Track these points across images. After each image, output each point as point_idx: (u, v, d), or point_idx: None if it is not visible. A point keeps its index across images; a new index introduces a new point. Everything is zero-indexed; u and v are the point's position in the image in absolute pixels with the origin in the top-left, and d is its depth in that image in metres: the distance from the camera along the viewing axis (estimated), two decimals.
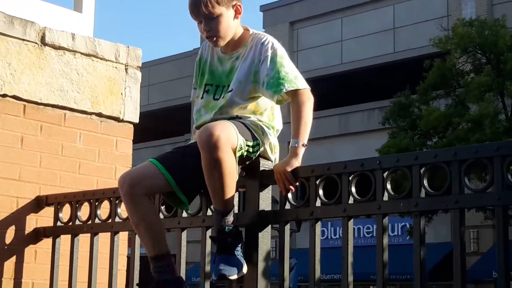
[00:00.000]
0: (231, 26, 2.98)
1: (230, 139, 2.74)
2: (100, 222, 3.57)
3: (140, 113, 4.27)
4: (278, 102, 2.95)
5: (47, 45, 3.89)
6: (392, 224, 22.47)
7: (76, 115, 3.99)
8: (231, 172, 2.77)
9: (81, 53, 4.02)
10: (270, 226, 2.98)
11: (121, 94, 4.18)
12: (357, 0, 24.96)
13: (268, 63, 2.92)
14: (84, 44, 4.02)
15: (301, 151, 2.82)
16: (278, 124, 3.06)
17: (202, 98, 3.07)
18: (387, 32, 24.22)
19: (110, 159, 4.08)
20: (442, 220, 18.35)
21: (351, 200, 2.71)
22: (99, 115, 4.07)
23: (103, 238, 3.61)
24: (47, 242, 3.75)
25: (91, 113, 4.04)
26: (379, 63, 24.27)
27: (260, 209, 2.94)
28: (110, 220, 3.53)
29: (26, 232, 3.74)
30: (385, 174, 2.64)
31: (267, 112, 3.01)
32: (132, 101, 4.23)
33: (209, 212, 3.14)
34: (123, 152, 4.15)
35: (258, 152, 2.93)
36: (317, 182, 2.81)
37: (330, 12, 25.39)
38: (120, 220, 3.48)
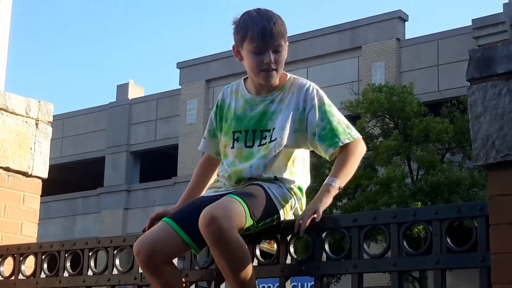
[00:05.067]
0: (284, 63, 2.83)
1: (233, 222, 2.56)
2: (2, 279, 3.50)
3: (52, 165, 4.24)
4: (330, 156, 2.77)
5: None
6: (302, 283, 22.61)
7: None
8: (241, 249, 2.59)
9: None
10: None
11: (31, 149, 4.15)
12: None
13: (317, 112, 2.77)
14: None
15: (335, 191, 2.68)
16: (308, 180, 2.90)
17: (232, 147, 2.86)
18: None
19: (16, 215, 4.02)
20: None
21: (255, 263, 2.77)
22: (7, 169, 4.02)
23: None
24: None
25: None
26: None
27: None
28: (13, 277, 3.46)
29: None
30: (288, 238, 2.73)
31: (300, 164, 2.86)
32: (42, 156, 4.20)
33: (115, 271, 3.15)
34: (30, 208, 4.10)
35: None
36: None
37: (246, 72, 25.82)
38: (24, 278, 3.43)
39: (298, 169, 2.86)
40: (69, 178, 29.77)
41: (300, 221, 2.62)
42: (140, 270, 3.05)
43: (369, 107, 17.59)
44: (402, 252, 2.48)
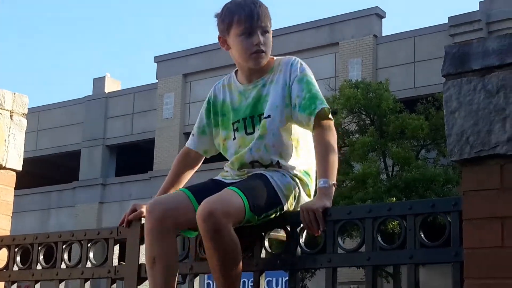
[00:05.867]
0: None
1: (230, 217, 2.54)
2: None
3: (27, 158, 4.20)
4: (312, 127, 2.73)
5: None
6: (276, 278, 22.67)
7: None
8: (234, 245, 2.57)
9: None
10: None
11: (5, 141, 4.11)
12: None
13: (298, 83, 2.77)
14: None
15: (333, 191, 2.62)
16: (313, 160, 2.79)
17: (234, 138, 2.86)
18: None
19: None
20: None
21: None
22: None
23: None
24: None
25: None
26: None
27: (140, 262, 2.95)
28: None
29: None
30: (263, 233, 2.73)
31: (306, 143, 2.80)
32: (16, 149, 4.16)
33: (88, 264, 3.13)
34: (3, 200, 4.05)
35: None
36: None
37: (224, 67, 25.77)
38: None
39: (303, 149, 2.82)
40: (44, 171, 29.55)
41: (312, 223, 2.56)
42: (115, 263, 3.04)
43: (346, 103, 17.64)
44: (376, 246, 2.49)
